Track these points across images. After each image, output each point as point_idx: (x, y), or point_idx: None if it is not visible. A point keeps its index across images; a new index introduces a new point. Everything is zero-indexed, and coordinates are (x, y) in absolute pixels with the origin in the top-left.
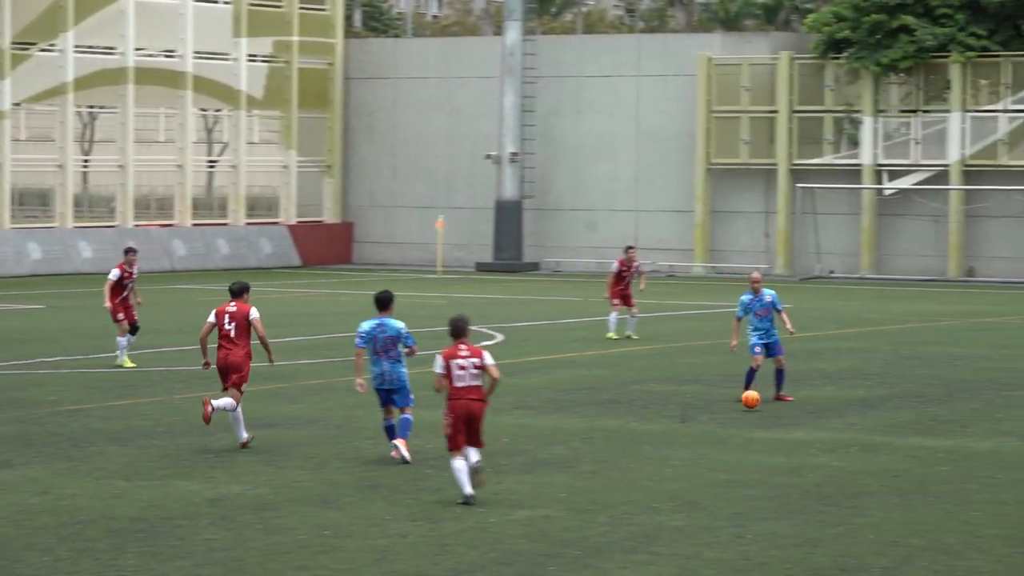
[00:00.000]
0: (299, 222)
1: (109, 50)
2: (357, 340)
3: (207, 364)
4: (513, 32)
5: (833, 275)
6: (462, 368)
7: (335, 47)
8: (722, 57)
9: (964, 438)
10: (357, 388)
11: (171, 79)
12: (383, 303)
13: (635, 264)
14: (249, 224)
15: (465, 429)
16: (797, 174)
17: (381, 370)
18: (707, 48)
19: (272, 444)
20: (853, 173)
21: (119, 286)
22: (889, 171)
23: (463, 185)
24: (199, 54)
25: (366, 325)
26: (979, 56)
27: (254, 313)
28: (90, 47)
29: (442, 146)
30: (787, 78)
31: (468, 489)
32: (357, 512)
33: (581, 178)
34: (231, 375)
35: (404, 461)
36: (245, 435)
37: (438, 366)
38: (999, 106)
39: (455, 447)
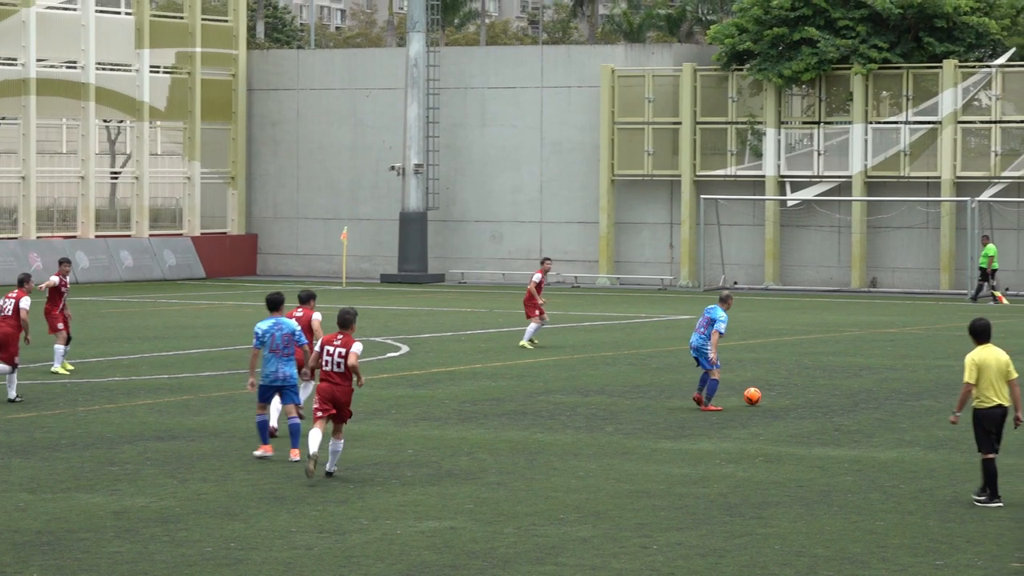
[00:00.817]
0: (203, 234)
1: (10, 61)
2: (254, 341)
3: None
4: (416, 43)
5: (737, 286)
6: (329, 355)
7: (238, 58)
8: (626, 69)
9: (868, 448)
10: (248, 387)
11: (73, 90)
12: (275, 304)
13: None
14: (153, 236)
15: (329, 408)
16: (701, 185)
17: (275, 368)
18: (611, 60)
19: (177, 456)
20: (757, 184)
21: (56, 294)
22: (792, 182)
23: (368, 197)
24: (101, 65)
25: (263, 325)
26: (880, 68)
27: (316, 318)
28: None
29: (346, 158)
30: (690, 90)
31: (312, 449)
32: (262, 524)
33: (486, 189)
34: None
35: (263, 457)
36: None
37: (316, 344)
38: (900, 117)
39: (317, 420)
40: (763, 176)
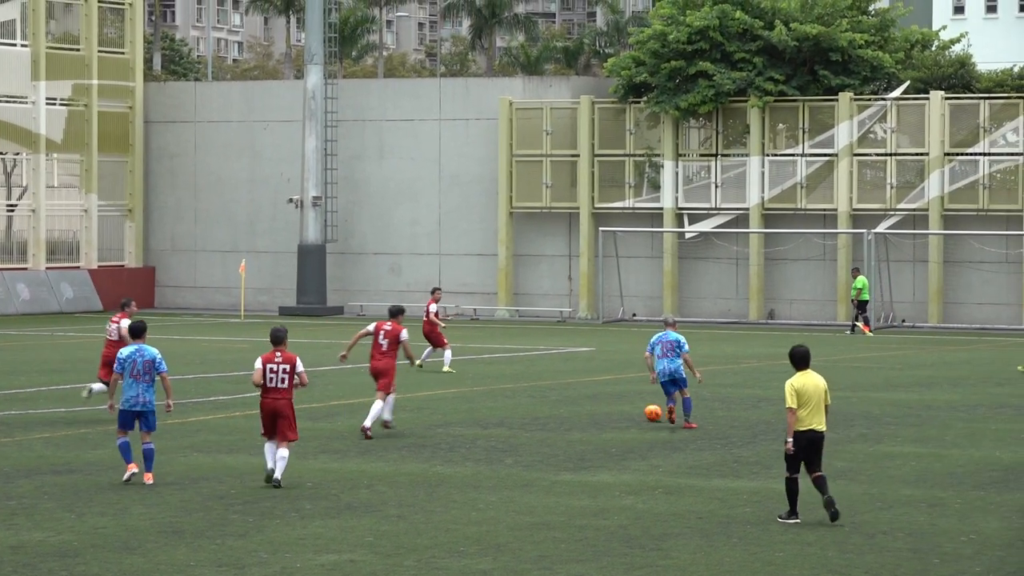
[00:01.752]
0: (100, 266)
1: None
2: (115, 366)
3: (344, 357)
4: (314, 76)
5: (636, 318)
6: (273, 372)
7: (135, 90)
8: (523, 101)
9: (767, 479)
10: (108, 409)
11: None
12: (137, 332)
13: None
14: (50, 268)
15: (273, 424)
16: (599, 217)
17: (135, 393)
18: (509, 92)
19: (74, 490)
20: (655, 216)
21: None
22: (690, 214)
23: (266, 229)
24: None
25: (125, 351)
26: (777, 100)
27: (404, 335)
28: None
29: (244, 190)
30: (588, 121)
31: (271, 464)
32: (161, 558)
33: (384, 222)
34: (381, 379)
35: (130, 477)
36: (388, 417)
37: (256, 364)
38: (797, 150)
39: (266, 435)
40: (661, 208)
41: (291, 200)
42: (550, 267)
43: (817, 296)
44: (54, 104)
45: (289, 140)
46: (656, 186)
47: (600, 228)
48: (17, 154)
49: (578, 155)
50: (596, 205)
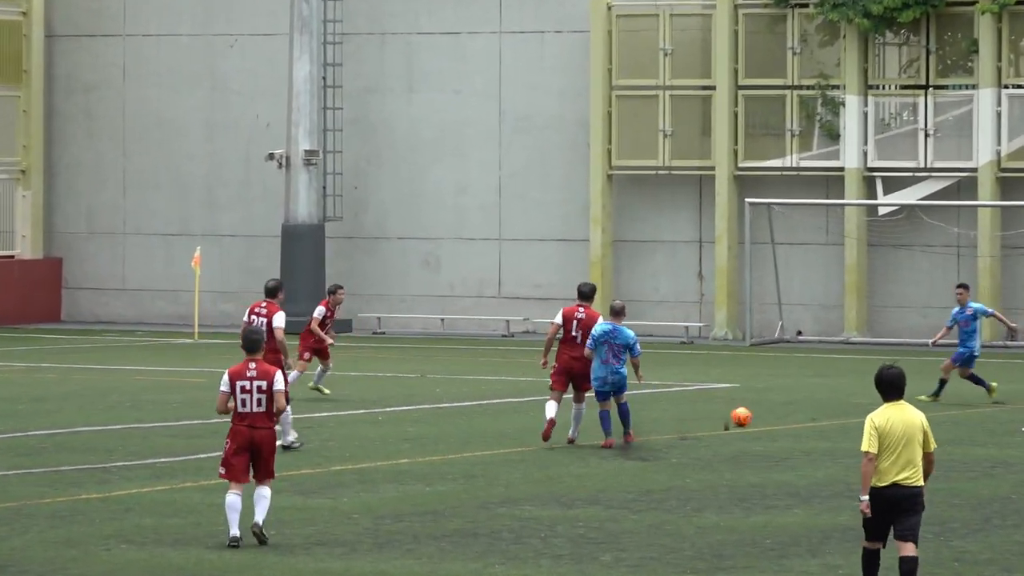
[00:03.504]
0: None
1: None
2: None
3: (545, 364)
4: None
5: (802, 338)
6: (245, 391)
7: None
8: (629, 3)
9: None
10: None
11: None
12: None
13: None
14: None
15: (248, 460)
16: (746, 183)
17: None
18: None
19: None
20: (832, 182)
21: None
22: (886, 179)
23: (233, 200)
24: None
25: None
26: (1021, 4)
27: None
28: None
29: (200, 141)
30: (729, 36)
31: (235, 531)
32: None
33: (415, 190)
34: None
35: None
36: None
37: (222, 383)
38: None
39: (231, 477)
40: (842, 169)
41: (271, 156)
42: (670, 259)
43: None
44: None
45: (269, 65)
46: (833, 135)
47: (747, 200)
48: None
49: (714, 87)
50: (741, 164)
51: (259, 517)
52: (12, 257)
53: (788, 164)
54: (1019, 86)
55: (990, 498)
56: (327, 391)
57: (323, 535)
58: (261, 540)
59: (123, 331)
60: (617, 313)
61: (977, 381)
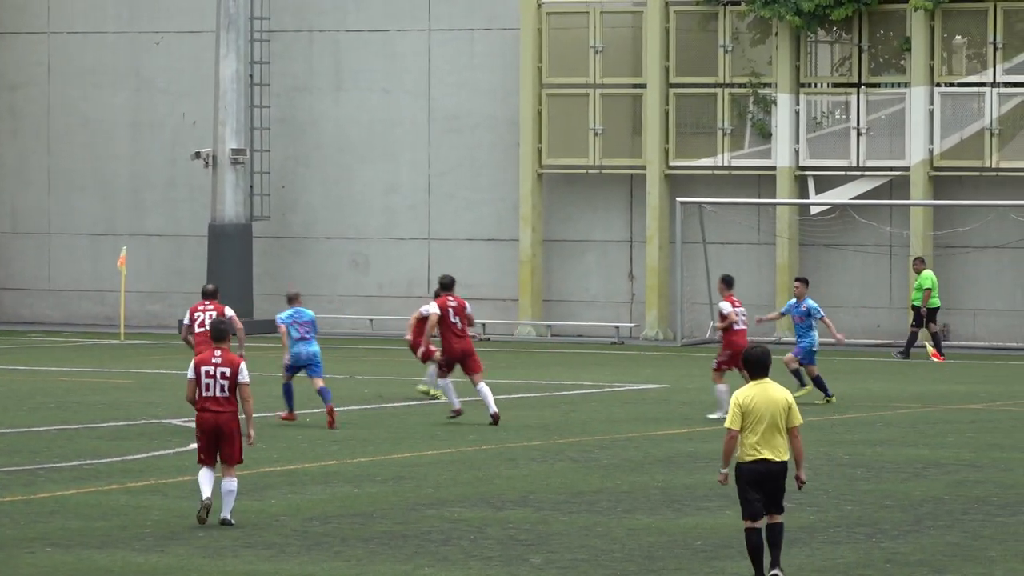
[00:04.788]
0: None
1: None
2: None
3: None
4: None
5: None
6: (210, 376)
7: None
8: (559, 1)
9: None
10: None
11: None
12: None
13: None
14: None
15: (214, 445)
16: (677, 182)
17: None
18: None
19: None
20: (763, 181)
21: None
22: (818, 177)
23: (159, 200)
24: None
25: None
26: (954, 1)
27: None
28: None
29: (125, 139)
30: (660, 33)
31: (206, 493)
32: None
33: (344, 189)
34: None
35: None
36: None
37: (189, 371)
38: (985, 77)
39: (203, 462)
40: (774, 168)
41: (198, 155)
42: (601, 259)
43: (1017, 304)
44: None
45: (195, 61)
46: (765, 134)
47: (678, 199)
48: None
49: (644, 85)
50: (672, 163)
51: (226, 512)
52: None
53: (720, 163)
54: (951, 84)
55: (922, 499)
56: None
57: (251, 537)
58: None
59: (49, 332)
60: (295, 299)
61: (820, 385)
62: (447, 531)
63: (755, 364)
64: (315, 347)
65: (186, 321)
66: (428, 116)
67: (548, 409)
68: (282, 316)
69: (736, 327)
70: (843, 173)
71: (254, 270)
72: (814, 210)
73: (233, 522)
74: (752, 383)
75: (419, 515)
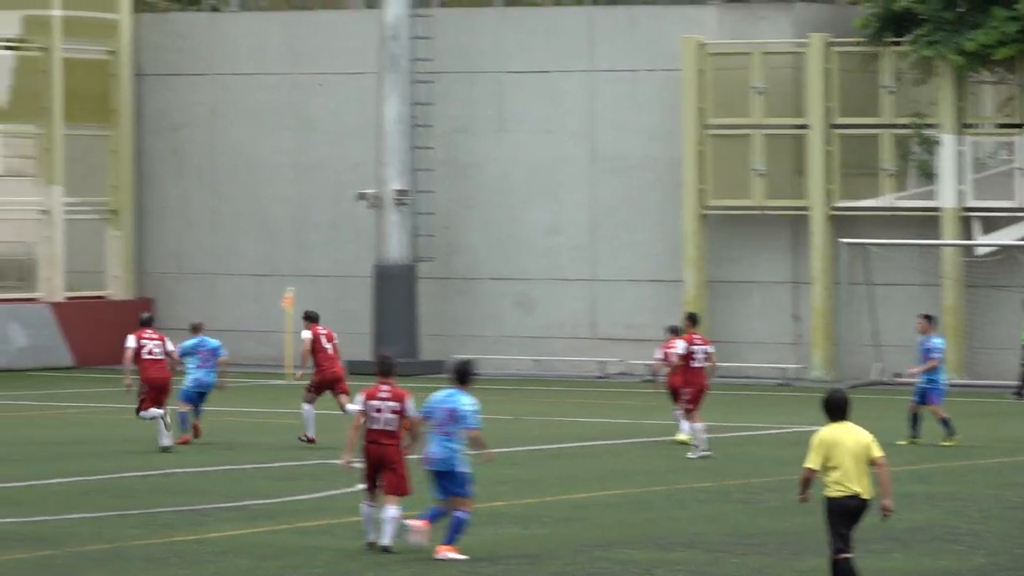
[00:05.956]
0: (69, 298)
1: None
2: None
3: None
4: (396, 4)
5: (900, 379)
6: (378, 411)
7: (119, 26)
8: (721, 42)
9: None
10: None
11: None
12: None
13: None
14: None
15: (378, 474)
16: (841, 223)
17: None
18: (697, 27)
19: None
20: (927, 222)
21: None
22: (984, 219)
23: (323, 241)
24: None
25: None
26: None
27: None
28: None
29: (289, 180)
30: (821, 74)
31: (372, 536)
32: None
33: (507, 230)
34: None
35: None
36: None
37: (357, 402)
38: None
39: (367, 490)
40: (938, 209)
41: (362, 196)
42: (764, 300)
43: None
44: None
45: (358, 103)
46: (928, 174)
47: (842, 240)
48: None
49: (807, 126)
50: (835, 204)
51: (385, 539)
52: (103, 298)
53: (883, 204)
54: None
55: None
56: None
57: None
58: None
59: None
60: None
61: (913, 422)
62: (616, 573)
63: (834, 408)
64: (213, 376)
65: (131, 345)
66: (591, 157)
67: (715, 450)
68: (185, 345)
69: (693, 365)
70: (1008, 214)
71: (419, 311)
72: (979, 251)
73: (393, 548)
74: (833, 425)
75: (587, 556)
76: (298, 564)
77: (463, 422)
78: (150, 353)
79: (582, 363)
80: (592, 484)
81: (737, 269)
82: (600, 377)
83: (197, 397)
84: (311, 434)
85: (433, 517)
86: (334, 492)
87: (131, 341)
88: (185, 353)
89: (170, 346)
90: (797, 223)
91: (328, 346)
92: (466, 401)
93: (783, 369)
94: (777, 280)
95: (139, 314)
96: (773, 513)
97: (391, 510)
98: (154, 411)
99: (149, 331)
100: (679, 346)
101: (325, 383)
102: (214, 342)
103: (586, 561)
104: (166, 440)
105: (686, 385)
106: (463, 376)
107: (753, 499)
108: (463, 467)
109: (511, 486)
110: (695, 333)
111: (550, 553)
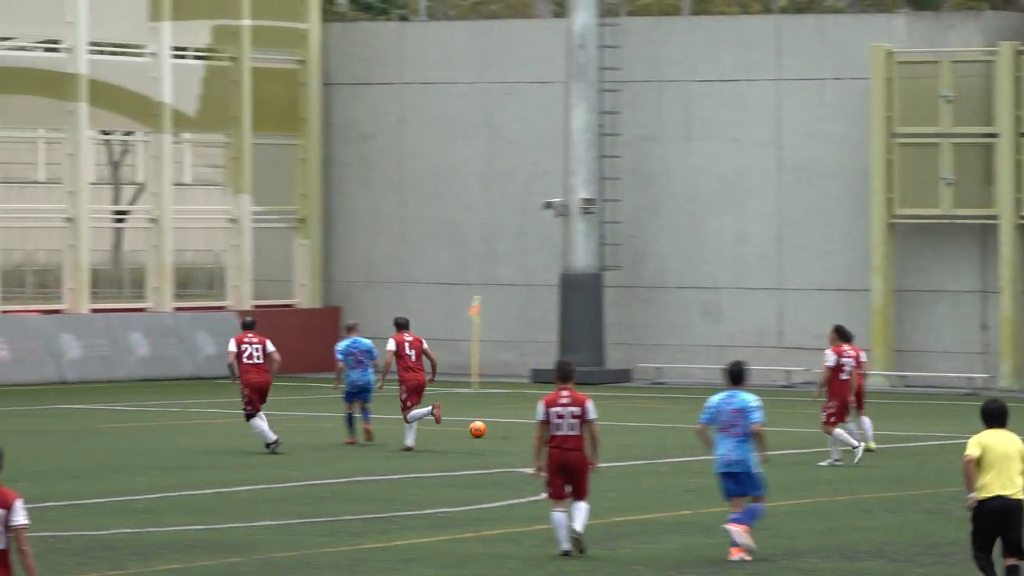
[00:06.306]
0: (257, 307)
1: None
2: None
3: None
4: (584, 12)
5: None
6: (560, 417)
7: (308, 36)
8: (909, 50)
9: None
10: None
11: (54, 85)
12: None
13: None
14: (180, 310)
15: (564, 480)
16: None
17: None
18: (885, 36)
19: None
20: None
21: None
22: None
23: (510, 250)
24: (98, 47)
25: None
26: None
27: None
28: None
29: (477, 189)
30: (1012, 82)
31: (565, 545)
32: None
33: (694, 239)
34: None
35: None
36: None
37: (539, 412)
38: None
39: (554, 496)
40: None
41: (549, 205)
42: (953, 309)
43: None
44: (184, 57)
45: (545, 112)
46: None
47: None
48: (129, 134)
49: (996, 135)
50: None
51: (577, 525)
52: (291, 306)
53: None
54: None
55: None
56: (874, 446)
57: None
58: (580, 548)
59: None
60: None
61: None
62: None
63: (993, 416)
64: (370, 375)
65: (232, 349)
66: (778, 166)
67: (901, 460)
68: (339, 347)
69: (841, 377)
70: None
71: (605, 319)
72: None
73: (583, 534)
74: (988, 431)
75: (773, 566)
76: (483, 573)
77: (750, 417)
78: (250, 357)
79: (768, 372)
80: (777, 493)
81: (925, 278)
82: (786, 386)
83: (354, 397)
84: (410, 443)
85: (745, 519)
86: (520, 501)
87: (232, 345)
88: (342, 354)
89: (271, 348)
90: (985, 232)
91: (410, 353)
92: (750, 398)
93: (971, 379)
94: (965, 289)
95: (243, 319)
96: (960, 523)
97: (582, 504)
98: (257, 423)
99: (250, 335)
100: (829, 358)
101: (411, 391)
102: (367, 343)
103: (771, 571)
104: (270, 436)
105: (832, 396)
106: (738, 376)
107: (939, 508)
108: (757, 468)
109: (696, 494)
110: (845, 345)
111: (735, 563)
